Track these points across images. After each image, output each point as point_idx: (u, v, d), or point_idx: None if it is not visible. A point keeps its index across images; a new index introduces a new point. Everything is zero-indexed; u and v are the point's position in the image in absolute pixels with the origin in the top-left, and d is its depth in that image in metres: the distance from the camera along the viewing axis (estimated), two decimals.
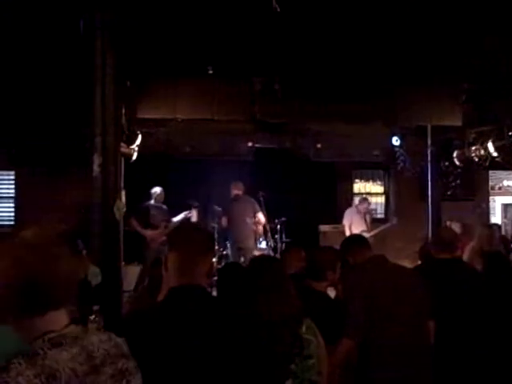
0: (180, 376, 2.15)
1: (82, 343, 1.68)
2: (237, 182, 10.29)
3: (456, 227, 11.03)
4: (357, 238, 4.60)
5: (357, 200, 12.40)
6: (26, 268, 1.66)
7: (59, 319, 1.70)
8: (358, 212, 11.15)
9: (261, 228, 10.21)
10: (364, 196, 12.53)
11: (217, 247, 10.06)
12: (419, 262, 5.76)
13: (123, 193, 6.30)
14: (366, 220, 10.97)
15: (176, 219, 9.94)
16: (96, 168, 4.57)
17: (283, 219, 10.62)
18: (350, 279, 4.23)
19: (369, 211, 11.46)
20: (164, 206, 10.04)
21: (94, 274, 4.40)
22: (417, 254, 6.16)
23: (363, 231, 10.47)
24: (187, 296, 2.32)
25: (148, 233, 9.62)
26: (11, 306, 1.66)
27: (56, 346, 1.63)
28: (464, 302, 4.22)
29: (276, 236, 10.70)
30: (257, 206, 10.14)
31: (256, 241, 10.32)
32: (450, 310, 4.13)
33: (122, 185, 6.94)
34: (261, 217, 10.12)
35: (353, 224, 10.89)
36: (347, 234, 10.97)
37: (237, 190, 10.29)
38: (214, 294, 4.20)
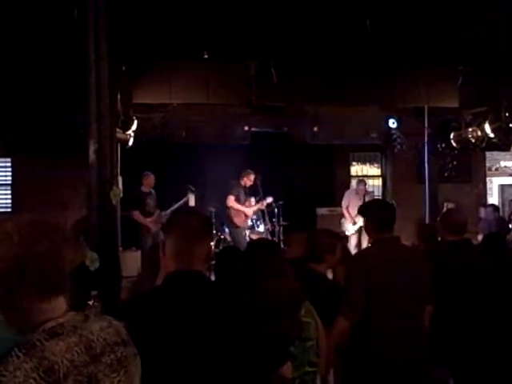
0: (177, 360, 2.16)
1: (81, 332, 1.66)
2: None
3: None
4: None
5: (354, 182, 12.45)
6: (26, 251, 1.63)
7: (57, 306, 1.68)
8: (356, 193, 11.19)
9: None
10: (361, 178, 12.55)
11: (214, 231, 10.09)
12: (415, 242, 5.77)
13: (120, 179, 6.29)
14: (364, 202, 10.93)
15: (166, 212, 9.90)
16: (92, 154, 4.55)
17: (280, 202, 10.64)
18: (355, 259, 4.23)
19: (368, 193, 11.45)
20: (153, 192, 9.95)
21: (92, 260, 4.39)
22: (413, 236, 6.16)
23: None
24: (185, 281, 2.32)
25: (149, 222, 9.60)
26: (8, 291, 1.63)
27: (53, 336, 1.60)
28: (475, 284, 4.25)
29: (273, 219, 10.72)
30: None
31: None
32: (460, 291, 4.16)
33: (119, 171, 6.93)
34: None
35: (350, 206, 10.93)
36: (345, 215, 11.00)
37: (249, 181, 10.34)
38: (212, 278, 4.21)
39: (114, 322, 1.81)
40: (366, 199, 10.97)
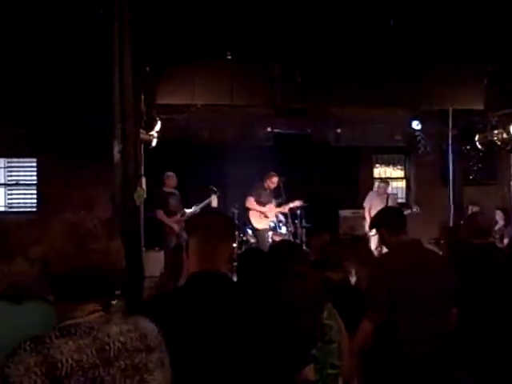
0: (200, 361, 2.16)
1: (96, 334, 1.66)
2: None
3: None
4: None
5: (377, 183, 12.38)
6: (89, 256, 1.68)
7: (82, 308, 1.70)
8: (378, 195, 11.12)
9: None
10: (384, 179, 12.46)
11: (237, 232, 10.09)
12: (440, 243, 5.73)
13: (143, 179, 6.32)
14: (387, 203, 10.83)
15: (189, 211, 9.95)
16: (116, 154, 4.58)
17: (305, 205, 10.59)
18: (377, 262, 4.21)
19: (391, 195, 11.38)
20: (177, 192, 10.05)
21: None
22: (437, 239, 6.12)
23: None
24: (207, 281, 2.32)
25: (172, 222, 9.66)
26: (60, 286, 1.68)
27: (65, 334, 1.62)
28: (500, 288, 4.20)
29: (296, 221, 10.69)
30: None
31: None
32: (484, 295, 4.12)
33: (142, 171, 6.97)
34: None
35: (372, 207, 10.84)
36: (366, 217, 10.92)
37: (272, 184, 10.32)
38: (235, 279, 4.21)
39: (143, 326, 1.80)
40: (390, 201, 10.91)
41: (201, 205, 10.04)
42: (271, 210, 10.24)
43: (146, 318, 1.87)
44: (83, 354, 1.60)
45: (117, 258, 1.76)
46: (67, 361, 1.57)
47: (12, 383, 1.50)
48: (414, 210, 10.91)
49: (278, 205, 10.35)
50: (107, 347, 1.66)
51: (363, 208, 11.20)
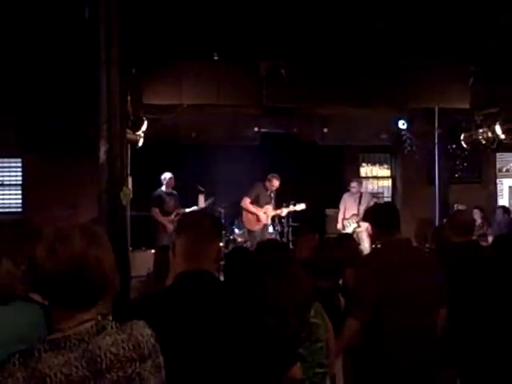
0: (187, 361, 2.16)
1: (87, 347, 1.65)
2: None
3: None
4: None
5: (364, 183, 12.35)
6: (59, 261, 1.66)
7: (76, 317, 1.68)
8: (352, 194, 10.88)
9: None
10: (370, 177, 12.44)
11: (224, 232, 10.10)
12: (427, 245, 5.77)
13: (130, 179, 6.31)
14: (360, 203, 10.62)
15: (188, 210, 9.95)
16: (102, 155, 4.57)
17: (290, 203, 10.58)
18: (365, 260, 4.22)
19: (365, 193, 11.27)
20: (175, 192, 10.09)
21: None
22: (422, 237, 6.15)
23: (353, 215, 10.39)
24: (194, 281, 2.33)
25: (166, 220, 9.68)
26: (43, 291, 1.69)
27: (54, 348, 1.61)
28: (482, 286, 4.23)
29: (283, 220, 10.70)
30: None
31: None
32: (468, 293, 4.14)
33: (129, 171, 6.95)
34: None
35: (346, 208, 10.75)
36: (339, 217, 10.82)
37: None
38: (222, 278, 4.21)
39: (138, 334, 1.78)
40: (363, 199, 10.69)
41: (191, 209, 10.03)
42: (267, 212, 10.15)
43: (141, 322, 1.85)
44: (72, 367, 1.59)
45: (95, 266, 1.70)
46: (56, 375, 1.56)
47: None
48: None
49: (277, 206, 10.27)
50: (98, 359, 1.65)
51: (339, 209, 11.07)
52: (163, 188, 10.01)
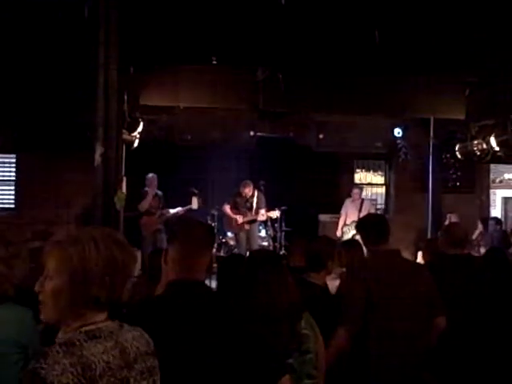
0: (178, 371, 2.16)
1: (117, 339, 1.75)
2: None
3: (454, 219, 11.10)
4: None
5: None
6: (113, 264, 1.76)
7: (99, 315, 1.77)
8: (353, 201, 11.05)
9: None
10: (360, 185, 12.47)
11: (216, 235, 10.12)
12: (420, 254, 5.80)
13: (124, 180, 6.30)
14: (361, 209, 10.76)
15: (172, 211, 9.96)
16: (98, 157, 4.57)
17: (283, 208, 10.61)
18: (354, 271, 4.24)
19: (366, 200, 11.38)
20: (159, 192, 10.09)
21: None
22: (416, 245, 6.20)
23: (354, 222, 10.43)
24: (186, 290, 2.33)
25: (143, 220, 9.69)
26: (76, 292, 1.71)
27: (92, 338, 1.69)
28: (475, 299, 4.26)
29: (276, 225, 10.72)
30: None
31: None
32: (460, 305, 4.15)
33: (123, 172, 6.94)
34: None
35: (348, 214, 10.86)
36: (340, 223, 10.90)
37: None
38: (214, 281, 4.22)
39: (144, 333, 1.89)
40: (364, 206, 10.80)
41: (175, 210, 10.05)
42: (241, 218, 10.26)
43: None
44: (110, 356, 1.68)
45: (122, 269, 1.81)
46: (99, 362, 1.64)
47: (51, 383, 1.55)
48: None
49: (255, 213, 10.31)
50: (127, 350, 1.76)
51: (340, 215, 11.15)
52: (146, 188, 9.99)
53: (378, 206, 13.41)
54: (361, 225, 4.25)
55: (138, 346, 1.80)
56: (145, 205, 9.73)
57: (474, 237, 10.63)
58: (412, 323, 3.67)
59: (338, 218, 11.17)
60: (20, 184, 11.42)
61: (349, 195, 11.29)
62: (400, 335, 3.60)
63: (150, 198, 9.76)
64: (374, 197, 13.69)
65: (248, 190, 10.23)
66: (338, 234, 10.73)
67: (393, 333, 3.59)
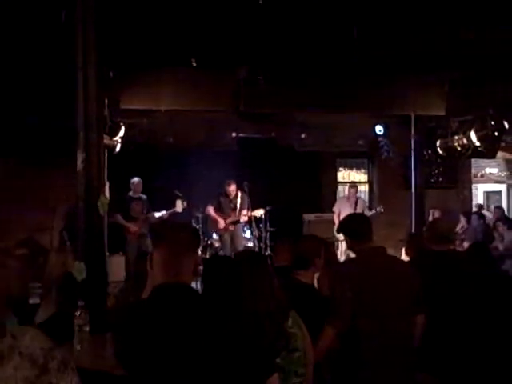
0: (164, 374, 2.16)
1: (20, 350, 1.69)
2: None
3: (437, 214, 11.20)
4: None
5: (341, 188, 12.50)
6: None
7: None
8: (347, 200, 11.23)
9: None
10: (352, 184, 12.56)
11: (201, 236, 10.10)
12: (403, 251, 5.82)
13: (107, 185, 6.27)
14: (356, 208, 10.90)
15: (157, 214, 9.93)
16: (79, 164, 4.53)
17: (268, 208, 10.61)
18: (340, 269, 4.25)
19: (360, 199, 11.50)
20: (143, 197, 10.04)
21: (79, 270, 4.37)
22: (401, 242, 6.22)
23: None
24: (172, 294, 2.32)
25: (131, 226, 9.63)
26: None
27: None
28: (462, 295, 4.28)
29: (260, 225, 10.72)
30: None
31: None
32: (446, 300, 4.18)
33: (106, 176, 6.90)
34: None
35: (341, 212, 10.90)
36: (335, 221, 10.97)
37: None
38: (199, 284, 4.20)
39: (38, 331, 1.83)
40: (358, 205, 10.95)
41: (159, 213, 10.00)
42: (226, 218, 10.30)
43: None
44: (23, 371, 1.66)
45: None
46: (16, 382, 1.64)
47: None
48: (378, 209, 11.02)
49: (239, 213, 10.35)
50: (34, 355, 1.71)
51: (333, 212, 11.23)
52: (131, 193, 9.96)
53: None
54: (343, 225, 4.26)
55: (41, 346, 1.74)
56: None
57: (456, 230, 10.72)
58: (400, 321, 3.69)
59: (326, 217, 11.25)
60: (1, 190, 11.28)
61: (334, 191, 11.36)
62: (389, 333, 3.61)
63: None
64: (357, 195, 13.76)
65: (232, 189, 10.25)
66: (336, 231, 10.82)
67: (381, 331, 3.60)
